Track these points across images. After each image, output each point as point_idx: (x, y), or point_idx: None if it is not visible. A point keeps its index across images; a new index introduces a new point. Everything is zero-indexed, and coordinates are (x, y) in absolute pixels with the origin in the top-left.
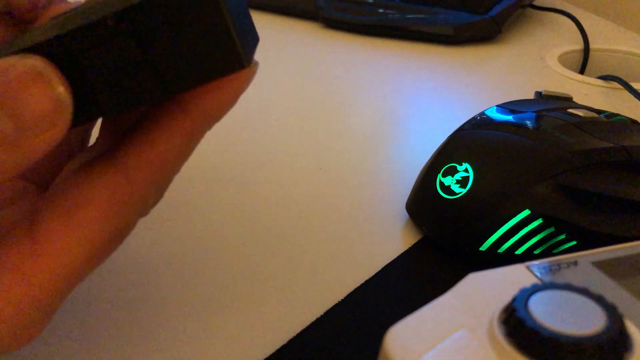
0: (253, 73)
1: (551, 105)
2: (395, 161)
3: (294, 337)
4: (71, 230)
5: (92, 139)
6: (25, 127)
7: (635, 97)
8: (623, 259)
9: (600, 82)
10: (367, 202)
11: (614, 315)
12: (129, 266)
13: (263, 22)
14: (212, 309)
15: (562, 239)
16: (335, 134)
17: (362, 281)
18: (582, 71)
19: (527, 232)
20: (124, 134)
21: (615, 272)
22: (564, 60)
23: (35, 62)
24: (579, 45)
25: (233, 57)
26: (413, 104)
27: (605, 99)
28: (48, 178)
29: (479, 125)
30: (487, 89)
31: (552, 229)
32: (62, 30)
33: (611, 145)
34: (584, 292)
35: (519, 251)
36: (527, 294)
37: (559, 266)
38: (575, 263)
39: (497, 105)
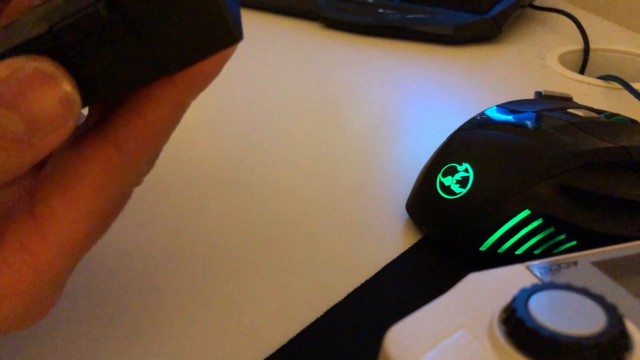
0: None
1: (551, 105)
2: (395, 161)
3: (294, 337)
4: (70, 204)
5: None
6: (37, 128)
7: (635, 97)
8: (623, 259)
9: (600, 82)
10: (367, 202)
11: (614, 315)
12: (129, 266)
13: (263, 22)
14: (212, 309)
15: (562, 239)
16: (335, 134)
17: (362, 281)
18: (582, 71)
19: (527, 232)
20: (112, 107)
21: (615, 272)
22: (564, 60)
23: (44, 65)
24: (579, 45)
25: (226, 32)
26: (413, 104)
27: (605, 99)
28: None
29: (479, 125)
30: (487, 89)
31: (552, 229)
32: (52, 21)
33: (611, 145)
34: (584, 292)
35: (519, 251)
36: (527, 294)
37: (559, 266)
38: (575, 263)
39: (497, 105)
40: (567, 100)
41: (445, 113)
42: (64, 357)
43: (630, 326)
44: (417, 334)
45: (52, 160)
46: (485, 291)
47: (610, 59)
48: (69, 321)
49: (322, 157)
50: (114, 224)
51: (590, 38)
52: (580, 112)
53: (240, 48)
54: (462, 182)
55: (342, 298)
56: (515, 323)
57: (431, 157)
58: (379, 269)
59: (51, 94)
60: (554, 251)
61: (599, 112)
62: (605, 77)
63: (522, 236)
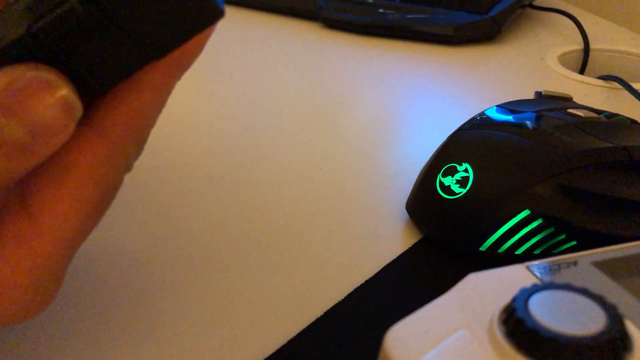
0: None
1: (551, 105)
2: (395, 161)
3: (294, 337)
4: (62, 195)
5: None
6: (39, 134)
7: (635, 97)
8: (623, 259)
9: (600, 82)
10: (367, 202)
11: (614, 315)
12: (129, 266)
13: (263, 22)
14: (212, 308)
15: (562, 239)
16: (335, 134)
17: (362, 281)
18: (582, 71)
19: (527, 232)
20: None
21: (615, 272)
22: (564, 60)
23: (43, 73)
24: (579, 45)
25: (208, 9)
26: (413, 104)
27: (605, 99)
28: None
29: (478, 125)
30: (487, 89)
31: (552, 229)
32: (31, 20)
33: (611, 145)
34: (583, 292)
35: (519, 251)
36: (527, 294)
37: (558, 266)
38: (575, 263)
39: (497, 105)
40: (567, 100)
41: (445, 113)
42: (63, 357)
43: (630, 326)
44: (417, 334)
45: None
46: (485, 291)
47: (610, 59)
48: (68, 321)
49: (322, 157)
50: (113, 224)
51: (590, 38)
52: (580, 112)
53: (241, 48)
54: (462, 182)
55: (342, 298)
56: (515, 323)
57: (431, 157)
58: (379, 269)
59: (51, 101)
60: (554, 251)
61: (599, 112)
62: (605, 77)
63: (522, 236)
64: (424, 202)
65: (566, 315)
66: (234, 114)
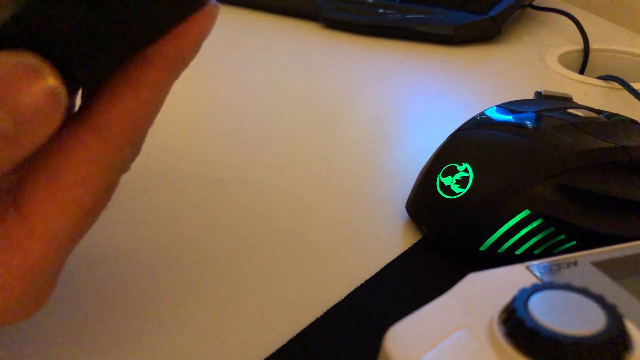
0: (214, 15)
1: (551, 105)
2: (395, 161)
3: (294, 337)
4: (55, 196)
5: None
6: (25, 123)
7: (635, 97)
8: (623, 259)
9: (600, 82)
10: (367, 202)
11: (614, 315)
12: (128, 266)
13: (263, 22)
14: (212, 309)
15: (562, 239)
16: (335, 133)
17: (362, 281)
18: (582, 71)
19: (527, 232)
20: (92, 94)
21: (615, 272)
22: (564, 60)
23: (27, 59)
24: (579, 45)
25: None
26: (413, 104)
27: (605, 99)
28: None
29: (478, 125)
30: (487, 89)
31: (552, 229)
32: (18, 9)
33: (611, 145)
34: (583, 292)
35: (519, 251)
36: (526, 294)
37: (558, 266)
38: (575, 263)
39: (497, 105)
40: (567, 100)
41: (445, 113)
42: (63, 357)
43: (630, 326)
44: (417, 334)
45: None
46: (485, 291)
47: (610, 59)
48: (67, 321)
49: (322, 157)
50: (113, 224)
51: (590, 38)
52: (580, 112)
53: (241, 48)
54: (462, 182)
55: (342, 298)
56: (515, 323)
57: (431, 157)
58: (379, 269)
59: (36, 88)
60: (554, 251)
61: (599, 112)
62: (605, 77)
63: (522, 236)
64: (424, 202)
65: (566, 315)
66: (233, 114)
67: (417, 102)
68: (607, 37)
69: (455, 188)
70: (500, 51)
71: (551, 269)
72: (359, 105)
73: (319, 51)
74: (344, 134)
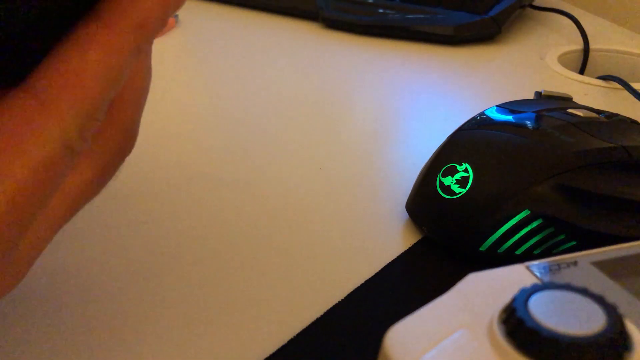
0: None
1: (551, 105)
2: (395, 161)
3: (294, 337)
4: None
5: None
6: None
7: (635, 97)
8: (623, 259)
9: (600, 82)
10: (367, 202)
11: (614, 315)
12: (128, 266)
13: (263, 22)
14: (212, 308)
15: (562, 239)
16: (335, 134)
17: (362, 281)
18: (582, 71)
19: (526, 232)
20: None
21: (615, 272)
22: (563, 60)
23: None
24: (579, 45)
25: None
26: (413, 104)
27: (605, 99)
28: None
29: (478, 125)
30: (487, 89)
31: (552, 229)
32: None
33: (611, 145)
34: (583, 292)
35: (519, 251)
36: (526, 294)
37: (558, 266)
38: (575, 263)
39: (497, 105)
40: (567, 100)
41: (445, 113)
42: (63, 357)
43: (630, 326)
44: (417, 334)
45: None
46: (485, 291)
47: (610, 59)
48: (66, 321)
49: (322, 157)
50: (113, 223)
51: (590, 38)
52: (580, 112)
53: (241, 48)
54: (462, 182)
55: (342, 298)
56: (515, 323)
57: (431, 157)
58: (379, 269)
59: None
60: (554, 251)
61: (599, 112)
62: (605, 77)
63: (522, 236)
64: (423, 202)
65: (566, 315)
66: (233, 113)
67: (417, 102)
68: (607, 37)
69: (455, 188)
70: (500, 51)
71: (551, 269)
72: (359, 105)
73: (319, 51)
74: (344, 134)
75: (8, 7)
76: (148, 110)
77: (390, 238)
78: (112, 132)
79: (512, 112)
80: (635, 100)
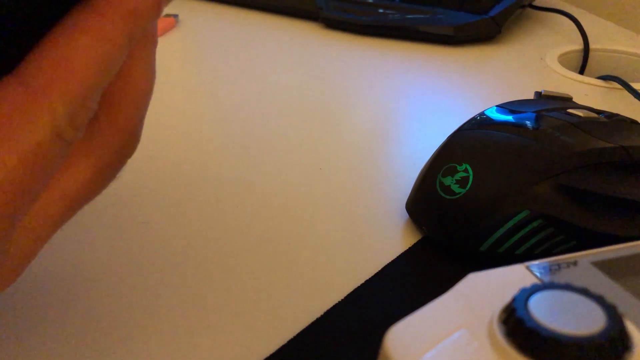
0: None
1: (551, 105)
2: (395, 161)
3: (294, 337)
4: None
5: None
6: None
7: (635, 97)
8: (623, 259)
9: (600, 82)
10: (367, 202)
11: (614, 315)
12: (128, 267)
13: (263, 22)
14: (212, 309)
15: (562, 239)
16: (335, 134)
17: (362, 281)
18: (582, 71)
19: (526, 232)
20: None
21: (615, 272)
22: (564, 60)
23: None
24: (579, 45)
25: None
26: (413, 104)
27: (605, 99)
28: None
29: (478, 125)
30: (487, 89)
31: (552, 229)
32: None
33: (611, 145)
34: (583, 292)
35: (519, 251)
36: (526, 294)
37: (558, 266)
38: (575, 263)
39: (496, 106)
40: (566, 100)
41: (445, 113)
42: (63, 357)
43: (630, 326)
44: (417, 334)
45: None
46: (485, 291)
47: (610, 59)
48: (67, 320)
49: (322, 157)
50: (113, 223)
51: (590, 38)
52: (580, 112)
53: (241, 48)
54: (462, 182)
55: (342, 298)
56: (515, 323)
57: (431, 157)
58: (379, 269)
59: None
60: (554, 251)
61: (598, 112)
62: (605, 77)
63: (522, 236)
64: (423, 202)
65: (566, 315)
66: (233, 113)
67: (417, 102)
68: (607, 37)
69: (455, 188)
70: (500, 51)
71: (551, 269)
72: (359, 105)
73: (318, 51)
74: (344, 134)
75: None
76: (148, 110)
77: (390, 238)
78: (112, 132)
79: (512, 112)
80: (635, 100)
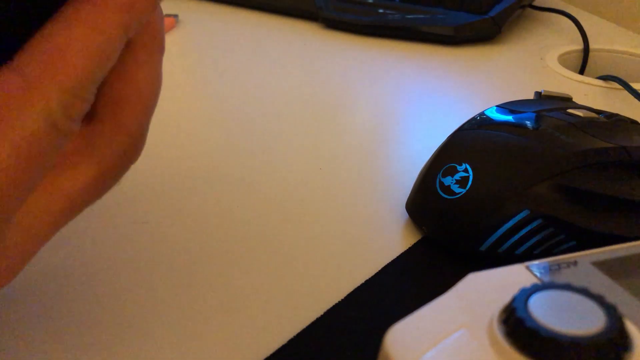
0: None
1: (551, 105)
2: (395, 161)
3: (294, 337)
4: None
5: None
6: None
7: (635, 97)
8: (623, 259)
9: (600, 82)
10: (367, 202)
11: (614, 315)
12: (128, 266)
13: (263, 22)
14: (212, 309)
15: (562, 239)
16: (335, 133)
17: (362, 281)
18: (582, 71)
19: (526, 232)
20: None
21: (615, 272)
22: (563, 60)
23: None
24: (579, 45)
25: None
26: (413, 104)
27: (605, 99)
28: None
29: (478, 125)
30: (487, 89)
31: (551, 229)
32: None
33: (611, 145)
34: (583, 292)
35: (519, 251)
36: (526, 294)
37: (558, 266)
38: (575, 263)
39: (496, 106)
40: (566, 100)
41: (445, 113)
42: (63, 357)
43: (630, 326)
44: (417, 334)
45: None
46: (485, 291)
47: (610, 59)
48: (67, 320)
49: (322, 157)
50: (113, 224)
51: (590, 38)
52: (579, 112)
53: (241, 48)
54: (462, 182)
55: (342, 298)
56: (515, 323)
57: (431, 157)
58: (379, 269)
59: None
60: (554, 251)
61: (598, 112)
62: (605, 77)
63: (522, 236)
64: (423, 202)
65: (566, 315)
66: (233, 113)
67: (417, 102)
68: (607, 37)
69: (455, 188)
70: (500, 51)
71: (551, 269)
72: (359, 105)
73: (318, 51)
74: (344, 134)
75: None
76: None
77: (390, 238)
78: (116, 135)
79: (512, 112)
80: (635, 100)
